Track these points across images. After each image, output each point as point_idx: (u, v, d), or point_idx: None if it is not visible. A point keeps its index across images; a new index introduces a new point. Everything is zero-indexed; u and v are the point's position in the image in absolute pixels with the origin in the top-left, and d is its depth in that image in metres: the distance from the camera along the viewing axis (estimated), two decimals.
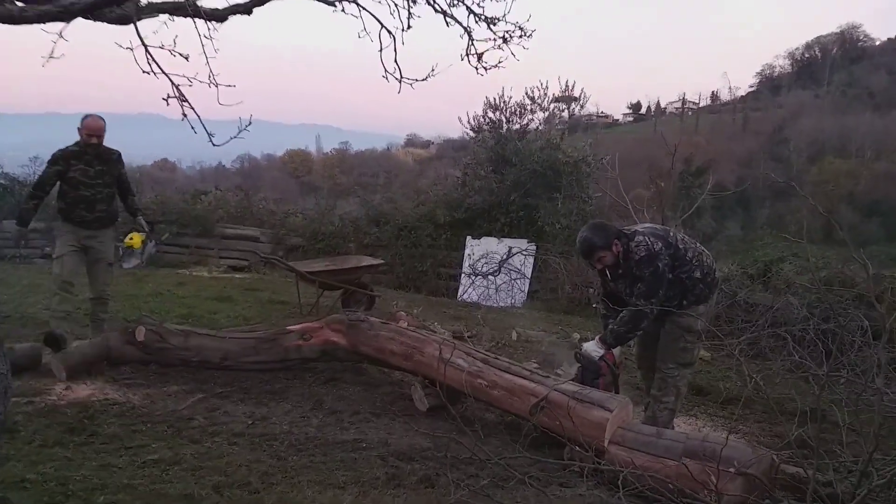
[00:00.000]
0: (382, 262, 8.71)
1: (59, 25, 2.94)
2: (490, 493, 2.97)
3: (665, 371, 3.93)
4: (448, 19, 3.70)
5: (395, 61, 3.24)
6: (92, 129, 5.24)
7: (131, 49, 2.79)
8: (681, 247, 3.88)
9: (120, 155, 5.51)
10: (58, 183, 5.32)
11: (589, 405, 3.56)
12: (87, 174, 5.25)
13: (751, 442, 4.28)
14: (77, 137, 5.34)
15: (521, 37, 3.17)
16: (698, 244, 4.05)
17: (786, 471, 3.14)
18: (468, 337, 6.49)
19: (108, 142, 5.53)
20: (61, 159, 5.22)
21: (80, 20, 3.28)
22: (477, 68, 3.28)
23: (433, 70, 3.24)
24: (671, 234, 3.98)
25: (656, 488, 2.96)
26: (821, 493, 2.36)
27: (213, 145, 3.07)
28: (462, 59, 3.34)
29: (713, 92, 75.96)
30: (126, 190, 5.70)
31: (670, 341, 3.92)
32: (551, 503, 2.86)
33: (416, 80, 3.30)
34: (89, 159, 5.26)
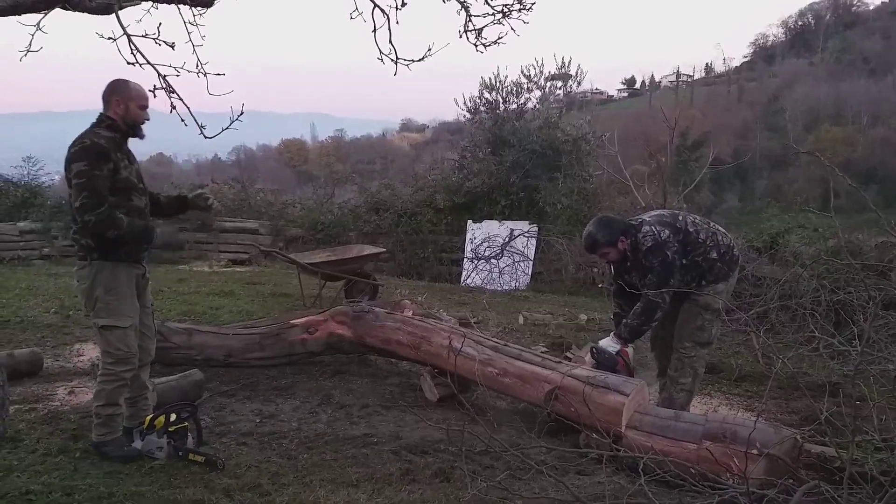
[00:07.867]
0: (384, 250, 8.61)
1: (36, 17, 2.80)
2: (507, 486, 2.88)
3: (682, 351, 3.86)
4: None
5: (390, 42, 3.11)
6: (145, 97, 3.18)
7: (114, 39, 2.66)
8: (691, 230, 3.80)
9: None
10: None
11: (604, 390, 3.47)
12: (134, 173, 3.26)
13: (768, 419, 4.20)
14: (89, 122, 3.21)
15: (520, 10, 3.04)
16: (712, 223, 3.96)
17: (811, 450, 3.06)
18: (474, 323, 6.40)
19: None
20: (111, 151, 3.09)
21: (59, 11, 3.15)
22: (476, 45, 3.16)
23: (430, 49, 3.12)
24: (680, 218, 3.89)
25: (678, 473, 2.88)
26: (853, 474, 2.27)
27: (205, 137, 2.95)
28: (460, 37, 3.21)
29: (707, 64, 75.83)
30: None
31: (688, 319, 3.84)
32: (570, 493, 2.77)
33: (413, 60, 3.17)
34: (128, 150, 3.29)
